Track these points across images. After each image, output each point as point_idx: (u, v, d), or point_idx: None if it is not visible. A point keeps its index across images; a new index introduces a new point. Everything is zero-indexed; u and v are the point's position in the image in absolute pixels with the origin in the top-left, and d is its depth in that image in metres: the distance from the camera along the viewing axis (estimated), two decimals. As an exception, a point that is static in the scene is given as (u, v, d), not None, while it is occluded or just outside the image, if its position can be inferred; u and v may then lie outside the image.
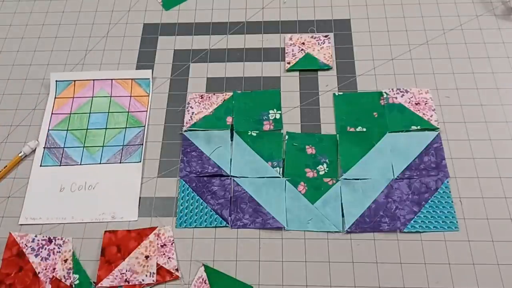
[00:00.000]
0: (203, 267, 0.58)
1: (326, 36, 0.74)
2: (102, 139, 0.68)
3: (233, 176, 0.63)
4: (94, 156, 0.67)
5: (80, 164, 0.66)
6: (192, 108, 0.69)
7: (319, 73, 0.71)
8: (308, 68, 0.71)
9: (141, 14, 0.80)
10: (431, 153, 0.63)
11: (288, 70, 0.71)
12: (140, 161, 0.66)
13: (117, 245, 0.59)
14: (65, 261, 0.59)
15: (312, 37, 0.74)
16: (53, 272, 0.58)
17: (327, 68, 0.71)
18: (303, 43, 0.73)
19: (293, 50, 0.73)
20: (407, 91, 0.68)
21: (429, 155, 0.63)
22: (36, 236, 0.61)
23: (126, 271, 0.57)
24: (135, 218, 0.62)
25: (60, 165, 0.66)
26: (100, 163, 0.66)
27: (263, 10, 0.78)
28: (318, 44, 0.73)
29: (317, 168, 0.63)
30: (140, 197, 0.63)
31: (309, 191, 0.61)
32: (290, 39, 0.74)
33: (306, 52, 0.72)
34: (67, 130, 0.69)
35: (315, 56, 0.72)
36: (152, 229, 0.60)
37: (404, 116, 0.66)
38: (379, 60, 0.71)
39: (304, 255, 0.58)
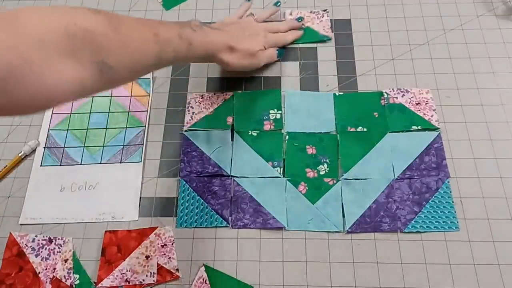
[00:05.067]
0: (203, 267, 0.58)
1: (325, 10, 0.76)
2: (103, 139, 0.68)
3: (234, 176, 0.63)
4: (95, 156, 0.67)
5: (81, 164, 0.66)
6: (193, 108, 0.69)
7: (320, 73, 0.71)
8: (309, 41, 0.73)
9: (141, 14, 0.80)
10: (431, 153, 0.63)
11: None
12: (141, 161, 0.65)
13: (118, 245, 0.59)
14: (66, 261, 0.59)
15: (311, 12, 0.76)
16: (53, 272, 0.58)
17: (327, 39, 0.73)
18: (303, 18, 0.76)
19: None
20: (407, 91, 0.68)
21: (430, 155, 0.62)
22: (36, 236, 0.61)
23: (127, 271, 0.57)
24: (135, 218, 0.62)
25: (60, 165, 0.66)
26: (100, 163, 0.66)
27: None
28: (318, 18, 0.75)
29: (318, 168, 0.63)
30: (140, 197, 0.63)
31: (310, 191, 0.61)
32: (290, 14, 0.76)
33: (306, 26, 0.75)
34: (68, 130, 0.69)
35: (315, 29, 0.74)
36: (152, 229, 0.60)
37: (405, 116, 0.65)
38: (380, 60, 0.71)
39: (304, 255, 0.58)
